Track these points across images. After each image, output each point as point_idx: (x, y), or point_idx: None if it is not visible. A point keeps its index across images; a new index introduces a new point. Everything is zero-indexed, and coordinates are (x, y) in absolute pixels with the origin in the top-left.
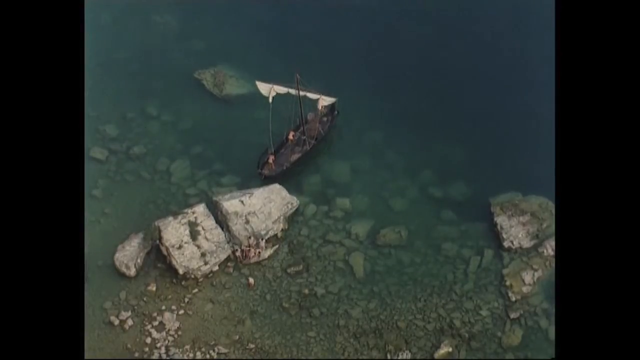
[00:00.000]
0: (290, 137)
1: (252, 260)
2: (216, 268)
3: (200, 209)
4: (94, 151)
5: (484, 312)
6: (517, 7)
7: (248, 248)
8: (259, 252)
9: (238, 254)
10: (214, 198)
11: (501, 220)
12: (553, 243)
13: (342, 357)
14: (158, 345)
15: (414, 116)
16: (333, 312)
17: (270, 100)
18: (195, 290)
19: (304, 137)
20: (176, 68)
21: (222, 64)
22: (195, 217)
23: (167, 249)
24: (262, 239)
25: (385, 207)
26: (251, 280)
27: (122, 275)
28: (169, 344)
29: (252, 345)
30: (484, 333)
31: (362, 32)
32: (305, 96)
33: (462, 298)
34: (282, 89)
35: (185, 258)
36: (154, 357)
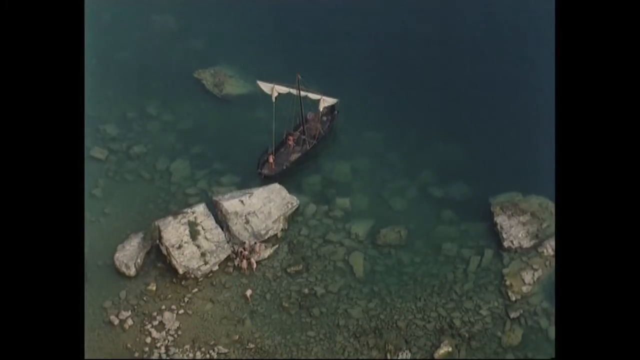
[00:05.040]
0: (290, 142)
1: (244, 264)
2: (216, 268)
3: (200, 208)
4: (94, 151)
5: (484, 312)
6: (518, 6)
7: (242, 257)
8: (251, 260)
9: (237, 261)
10: (214, 198)
11: (501, 220)
12: (553, 243)
13: (342, 357)
14: (158, 344)
15: (414, 116)
16: (333, 311)
17: (274, 99)
18: (195, 290)
19: (304, 137)
20: (176, 68)
21: (222, 64)
22: (195, 217)
23: (167, 248)
24: (257, 242)
25: (385, 207)
26: (248, 292)
27: (122, 275)
28: (169, 343)
29: (252, 345)
30: (484, 333)
31: (362, 32)
32: (306, 96)
33: (462, 298)
34: (283, 89)
35: (185, 258)
36: (154, 357)
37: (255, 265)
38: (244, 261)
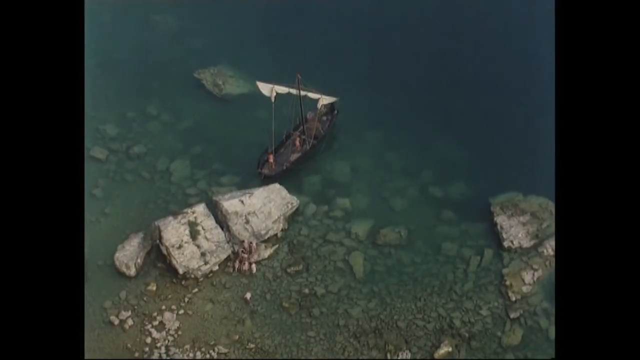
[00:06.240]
0: (297, 143)
1: (246, 266)
2: (216, 268)
3: (200, 208)
4: (94, 151)
5: (484, 312)
6: (519, 5)
7: (242, 259)
8: (252, 265)
9: (237, 265)
10: (214, 198)
11: (501, 220)
12: (553, 243)
13: (342, 357)
14: (158, 345)
15: (414, 116)
16: (333, 311)
17: (273, 100)
18: (195, 290)
19: (304, 136)
20: (176, 68)
21: (222, 64)
22: (195, 217)
23: (167, 248)
24: (254, 242)
25: (385, 207)
26: (248, 295)
27: (122, 275)
28: (169, 343)
29: (252, 345)
30: (484, 333)
31: (362, 32)
32: (306, 96)
33: (462, 298)
34: (282, 89)
35: (185, 258)
36: (154, 357)
37: (255, 270)
38: (246, 263)
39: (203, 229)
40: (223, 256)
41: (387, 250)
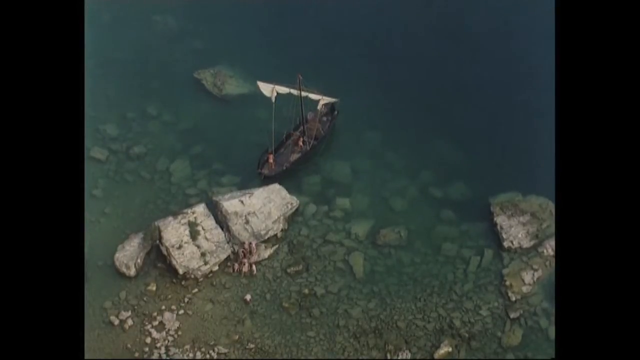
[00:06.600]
0: (300, 143)
1: (246, 267)
2: (216, 268)
3: (200, 209)
4: (94, 151)
5: (483, 312)
6: (519, 6)
7: (240, 260)
8: (252, 267)
9: (237, 267)
10: (214, 198)
11: (501, 220)
12: (553, 243)
13: (342, 357)
14: (158, 345)
15: (414, 116)
16: (333, 312)
17: (274, 100)
18: (195, 290)
19: (304, 137)
20: (176, 68)
21: (222, 64)
22: (195, 217)
23: (167, 248)
24: (253, 242)
25: (385, 207)
26: (248, 296)
27: (122, 275)
28: (169, 343)
29: (252, 345)
30: (484, 333)
31: (362, 33)
32: (306, 96)
33: (462, 298)
34: (283, 89)
35: (185, 258)
36: (154, 357)
37: (255, 271)
38: (246, 264)
39: (203, 229)
40: (223, 256)
41: (387, 251)
